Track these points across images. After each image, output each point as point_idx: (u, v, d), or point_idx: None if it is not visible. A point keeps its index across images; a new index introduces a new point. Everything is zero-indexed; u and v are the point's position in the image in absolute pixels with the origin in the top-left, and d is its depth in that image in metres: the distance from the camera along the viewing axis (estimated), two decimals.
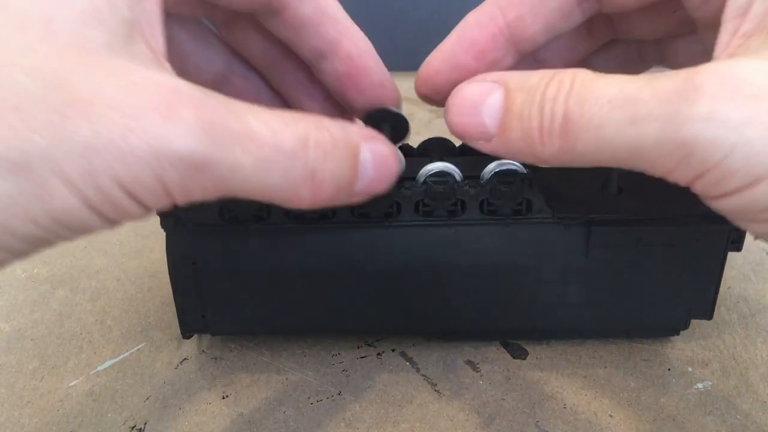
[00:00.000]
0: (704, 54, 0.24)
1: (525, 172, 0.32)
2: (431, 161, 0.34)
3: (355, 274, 0.33)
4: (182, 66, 0.32)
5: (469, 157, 0.35)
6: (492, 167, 0.33)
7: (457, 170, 0.33)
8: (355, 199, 0.25)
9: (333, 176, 0.23)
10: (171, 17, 0.30)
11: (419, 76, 0.29)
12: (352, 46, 0.29)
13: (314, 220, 0.32)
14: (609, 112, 0.21)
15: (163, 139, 0.19)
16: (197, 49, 0.31)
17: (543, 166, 0.24)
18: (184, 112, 0.19)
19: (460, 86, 0.26)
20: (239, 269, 0.32)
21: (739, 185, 0.20)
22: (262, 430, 0.32)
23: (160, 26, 0.22)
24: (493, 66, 0.28)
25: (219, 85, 0.33)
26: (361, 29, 0.30)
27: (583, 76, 0.22)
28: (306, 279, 0.33)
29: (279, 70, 0.33)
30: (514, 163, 0.33)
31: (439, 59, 0.29)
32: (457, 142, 0.36)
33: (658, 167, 0.21)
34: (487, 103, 0.24)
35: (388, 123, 0.30)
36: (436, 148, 0.36)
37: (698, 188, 0.21)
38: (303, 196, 0.23)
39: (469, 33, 0.28)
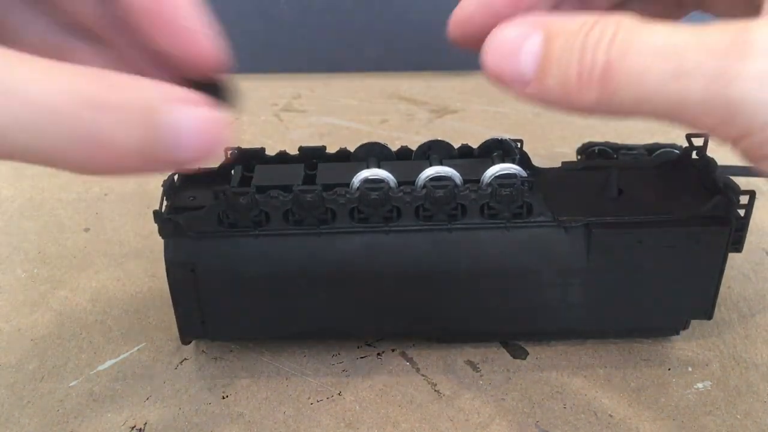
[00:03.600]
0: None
1: (525, 175, 0.32)
2: (431, 165, 0.34)
3: (355, 280, 0.33)
4: (8, 39, 0.28)
5: (470, 160, 0.35)
6: (493, 171, 0.32)
7: (458, 174, 0.33)
8: (167, 166, 0.23)
9: (118, 140, 0.21)
10: None
11: (453, 20, 0.28)
12: None
13: (314, 225, 0.32)
14: (653, 63, 0.20)
15: None
16: (27, 22, 0.28)
17: (577, 115, 0.23)
18: None
19: (498, 28, 0.25)
20: (238, 275, 0.32)
21: None
22: (262, 430, 0.32)
23: None
24: (529, 12, 0.27)
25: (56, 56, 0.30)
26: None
27: (628, 23, 0.21)
28: (306, 284, 0.33)
29: (116, 38, 0.29)
30: (515, 167, 0.33)
31: (474, 4, 0.27)
32: (457, 145, 0.36)
33: (699, 124, 0.20)
34: (525, 47, 0.23)
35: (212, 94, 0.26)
36: (435, 151, 0.36)
37: (740, 148, 0.20)
38: (86, 160, 0.21)
39: None
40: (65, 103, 0.20)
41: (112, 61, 0.30)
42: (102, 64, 0.29)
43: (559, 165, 0.38)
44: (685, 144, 0.36)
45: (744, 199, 0.32)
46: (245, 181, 0.34)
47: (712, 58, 0.19)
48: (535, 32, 0.23)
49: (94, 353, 0.36)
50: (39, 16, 0.28)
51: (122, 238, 0.45)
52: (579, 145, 0.40)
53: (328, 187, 0.32)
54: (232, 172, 0.36)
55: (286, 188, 0.32)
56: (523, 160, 0.35)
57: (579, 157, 0.40)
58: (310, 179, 0.34)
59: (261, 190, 0.32)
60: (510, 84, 0.24)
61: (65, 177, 0.52)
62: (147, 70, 0.29)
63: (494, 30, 0.25)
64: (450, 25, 0.28)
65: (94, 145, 0.20)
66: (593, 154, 0.39)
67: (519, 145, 0.36)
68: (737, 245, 0.33)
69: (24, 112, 0.19)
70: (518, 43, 0.23)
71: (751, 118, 0.19)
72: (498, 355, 0.36)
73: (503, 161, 0.34)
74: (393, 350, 0.36)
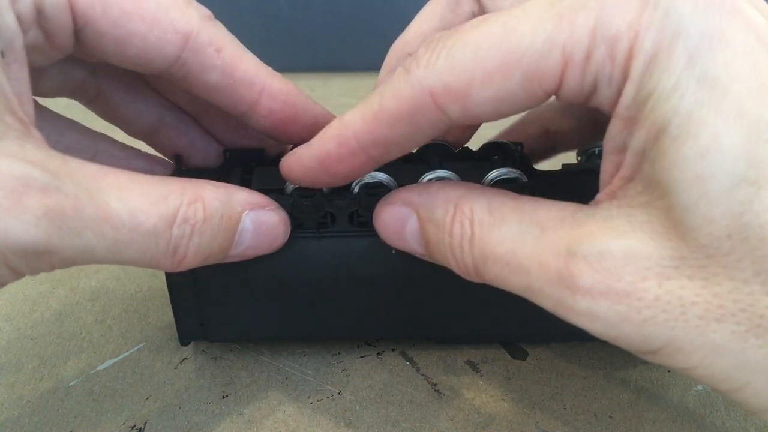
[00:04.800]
0: None
1: (526, 180, 0.32)
2: (430, 167, 0.34)
3: (355, 283, 0.33)
4: (113, 118, 0.32)
5: (469, 163, 0.35)
6: (492, 175, 0.32)
7: (458, 177, 0.32)
8: (231, 260, 0.27)
9: (199, 249, 0.24)
10: (100, 71, 0.31)
11: (291, 177, 0.28)
12: (271, 103, 0.29)
13: (313, 229, 0.32)
14: (509, 275, 0.22)
15: (4, 231, 0.19)
16: (127, 101, 0.32)
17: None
18: (30, 201, 0.20)
19: (378, 210, 0.27)
20: (237, 277, 0.32)
21: (638, 352, 0.21)
22: (262, 430, 0.32)
23: (29, 91, 0.23)
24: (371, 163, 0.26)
25: (152, 135, 0.33)
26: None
27: (479, 219, 0.23)
28: (305, 287, 0.33)
29: (212, 117, 0.33)
30: (515, 171, 0.33)
31: (304, 169, 0.27)
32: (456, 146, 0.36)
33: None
34: (407, 230, 0.26)
35: None
36: (435, 153, 0.36)
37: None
38: (165, 266, 0.24)
39: (333, 167, 0.25)
40: (154, 225, 0.22)
41: (197, 131, 0.34)
42: (188, 134, 0.34)
43: (560, 167, 0.38)
44: None
45: None
46: (244, 183, 0.34)
47: (551, 285, 0.21)
48: (409, 213, 0.26)
49: (94, 353, 0.36)
50: (139, 99, 0.32)
51: None
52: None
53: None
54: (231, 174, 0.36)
55: (285, 191, 0.32)
56: (524, 163, 0.35)
57: (579, 158, 0.40)
58: None
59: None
60: (415, 256, 0.27)
61: None
62: (228, 136, 0.35)
63: (375, 211, 0.27)
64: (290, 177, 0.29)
65: (177, 254, 0.23)
66: (594, 155, 0.39)
67: (519, 148, 0.36)
68: None
69: (116, 235, 0.21)
70: (400, 227, 0.26)
71: (598, 335, 0.21)
72: (498, 355, 0.36)
73: (503, 164, 0.34)
74: (393, 350, 0.36)
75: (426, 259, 0.27)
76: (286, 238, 0.29)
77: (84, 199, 0.21)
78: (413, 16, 0.36)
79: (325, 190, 0.32)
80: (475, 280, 0.24)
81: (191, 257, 0.24)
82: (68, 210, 0.20)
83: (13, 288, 0.41)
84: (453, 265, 0.24)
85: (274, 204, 0.28)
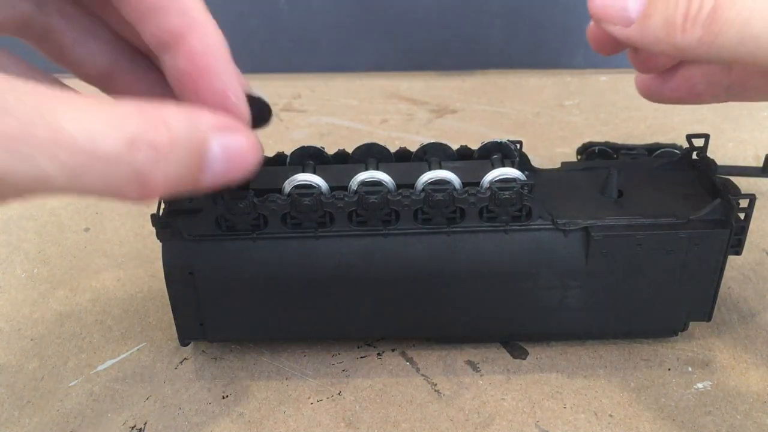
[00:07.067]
0: None
1: (525, 178, 0.32)
2: (430, 167, 0.34)
3: (354, 282, 0.33)
4: (64, 60, 0.30)
5: (469, 162, 0.35)
6: (492, 175, 0.32)
7: (457, 178, 0.32)
8: (203, 190, 0.24)
9: (167, 176, 0.22)
10: (48, 5, 0.28)
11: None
12: (197, 42, 0.26)
13: (312, 229, 0.32)
14: (762, 9, 0.22)
15: None
16: (79, 39, 0.29)
17: (674, 56, 0.26)
18: None
19: None
20: (236, 278, 0.32)
21: None
22: (262, 430, 0.32)
23: None
24: None
25: (107, 80, 0.31)
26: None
27: None
28: (304, 287, 0.33)
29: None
30: (515, 170, 0.33)
31: None
32: (455, 146, 0.36)
33: None
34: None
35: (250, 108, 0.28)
36: (434, 153, 0.35)
37: None
38: (132, 195, 0.21)
39: None
40: (115, 149, 0.20)
41: (155, 76, 0.31)
42: (148, 79, 0.31)
43: (559, 165, 0.38)
44: (686, 144, 0.36)
45: (744, 203, 0.32)
46: (243, 183, 0.34)
47: None
48: None
49: (94, 353, 0.36)
50: (90, 38, 0.30)
51: (122, 238, 0.45)
52: (579, 145, 0.40)
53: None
54: None
55: (283, 191, 0.32)
56: (523, 162, 0.35)
57: (579, 157, 0.40)
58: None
59: (259, 193, 0.32)
60: (613, 23, 0.26)
61: None
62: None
63: None
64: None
65: (143, 181, 0.21)
66: (593, 154, 0.39)
67: (518, 147, 0.36)
68: (737, 248, 0.33)
69: (73, 160, 0.19)
70: None
71: None
72: (498, 355, 0.36)
73: (502, 163, 0.34)
74: (393, 350, 0.36)
75: (623, 32, 0.26)
76: (258, 164, 0.26)
77: (35, 121, 0.19)
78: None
79: (324, 188, 0.32)
80: (693, 33, 0.24)
81: (160, 184, 0.22)
82: (17, 132, 0.18)
83: (13, 288, 0.41)
84: (677, 15, 0.24)
85: (241, 126, 0.25)
